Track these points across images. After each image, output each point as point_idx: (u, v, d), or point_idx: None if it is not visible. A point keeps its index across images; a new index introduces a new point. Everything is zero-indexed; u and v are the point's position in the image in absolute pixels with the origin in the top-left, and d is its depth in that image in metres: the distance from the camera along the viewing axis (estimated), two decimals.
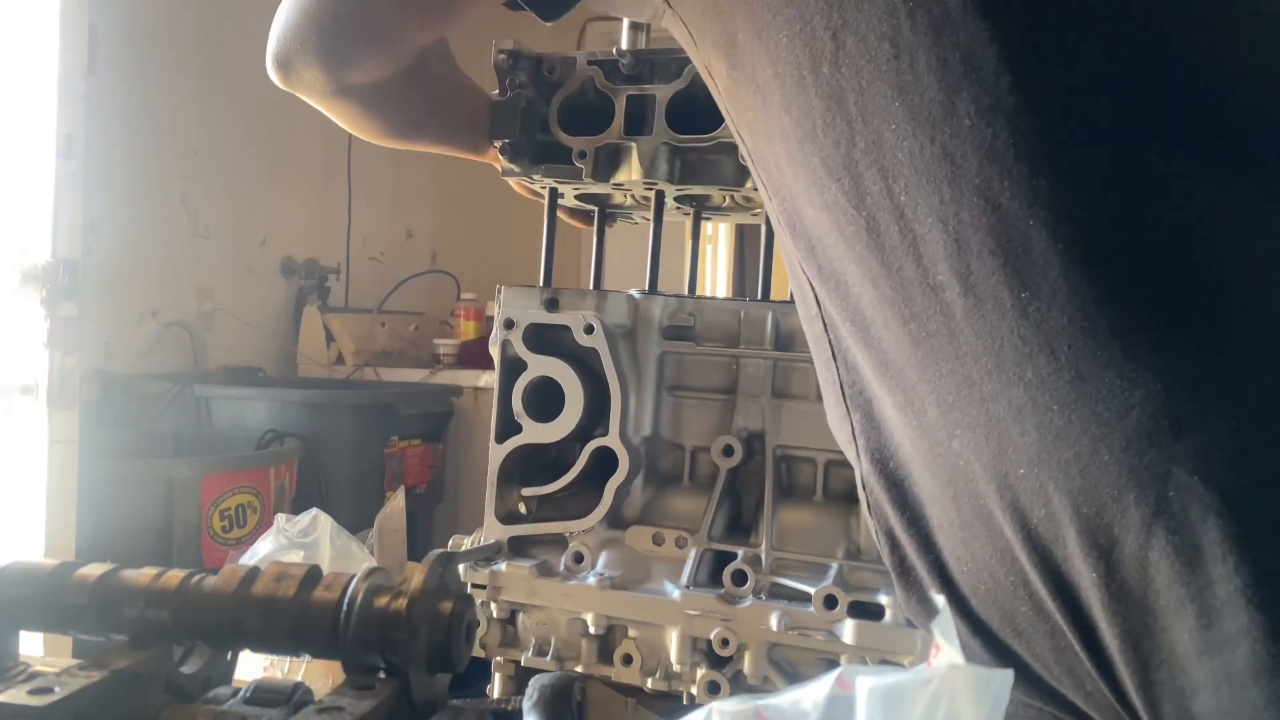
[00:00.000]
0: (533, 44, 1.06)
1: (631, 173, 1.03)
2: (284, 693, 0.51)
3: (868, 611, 0.91)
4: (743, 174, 1.02)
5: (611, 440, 1.02)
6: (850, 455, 0.61)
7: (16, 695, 0.45)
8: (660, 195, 1.07)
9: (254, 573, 0.52)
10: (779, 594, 0.95)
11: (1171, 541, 0.43)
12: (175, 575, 0.53)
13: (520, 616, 1.04)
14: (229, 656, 0.55)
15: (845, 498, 0.99)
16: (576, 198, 1.15)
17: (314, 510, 1.55)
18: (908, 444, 0.55)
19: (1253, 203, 0.45)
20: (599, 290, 1.06)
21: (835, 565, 0.94)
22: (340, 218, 3.39)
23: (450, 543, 1.10)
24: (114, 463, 2.10)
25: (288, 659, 1.21)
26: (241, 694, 0.52)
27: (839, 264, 0.55)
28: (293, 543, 1.49)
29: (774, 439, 1.01)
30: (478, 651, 1.04)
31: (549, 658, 1.02)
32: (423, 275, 3.62)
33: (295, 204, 3.27)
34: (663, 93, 1.02)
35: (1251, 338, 0.44)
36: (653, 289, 1.09)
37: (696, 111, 1.00)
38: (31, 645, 0.53)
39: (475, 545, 1.05)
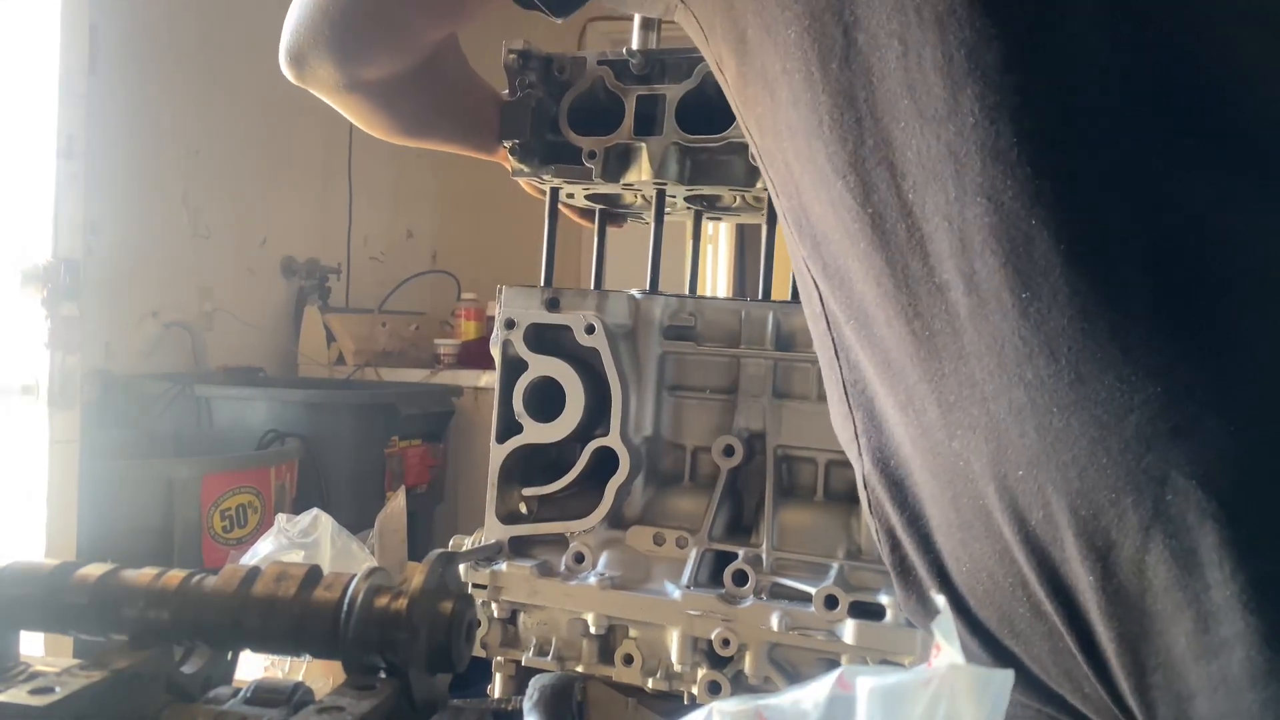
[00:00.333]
0: (535, 41, 1.05)
1: (641, 173, 1.03)
2: (284, 693, 0.51)
3: (868, 611, 0.91)
4: (753, 174, 1.02)
5: (612, 440, 1.02)
6: (852, 454, 0.61)
7: (17, 695, 0.45)
8: (661, 194, 1.07)
9: (254, 573, 0.52)
10: (780, 594, 0.95)
11: (1169, 545, 0.43)
12: (176, 575, 0.53)
13: (521, 616, 1.04)
14: (229, 656, 0.55)
15: (846, 498, 0.99)
16: (586, 198, 1.15)
17: (314, 510, 1.55)
18: (908, 443, 0.55)
19: (1254, 204, 0.45)
20: (600, 290, 1.06)
21: (836, 565, 0.94)
22: (341, 217, 3.39)
23: (451, 543, 1.10)
24: (114, 463, 2.10)
25: (288, 659, 1.21)
26: (242, 694, 0.52)
27: (843, 261, 0.55)
28: (293, 543, 1.49)
29: (775, 439, 1.01)
30: (478, 651, 1.04)
31: (550, 658, 1.02)
32: (423, 275, 3.62)
33: (296, 204, 3.27)
34: (673, 93, 1.02)
35: (1251, 341, 0.44)
36: (653, 289, 1.09)
37: (707, 112, 1.00)
38: (32, 645, 0.53)
39: (476, 545, 1.05)
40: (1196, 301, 0.44)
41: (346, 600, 0.50)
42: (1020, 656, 0.52)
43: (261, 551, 1.49)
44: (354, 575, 0.52)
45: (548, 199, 1.13)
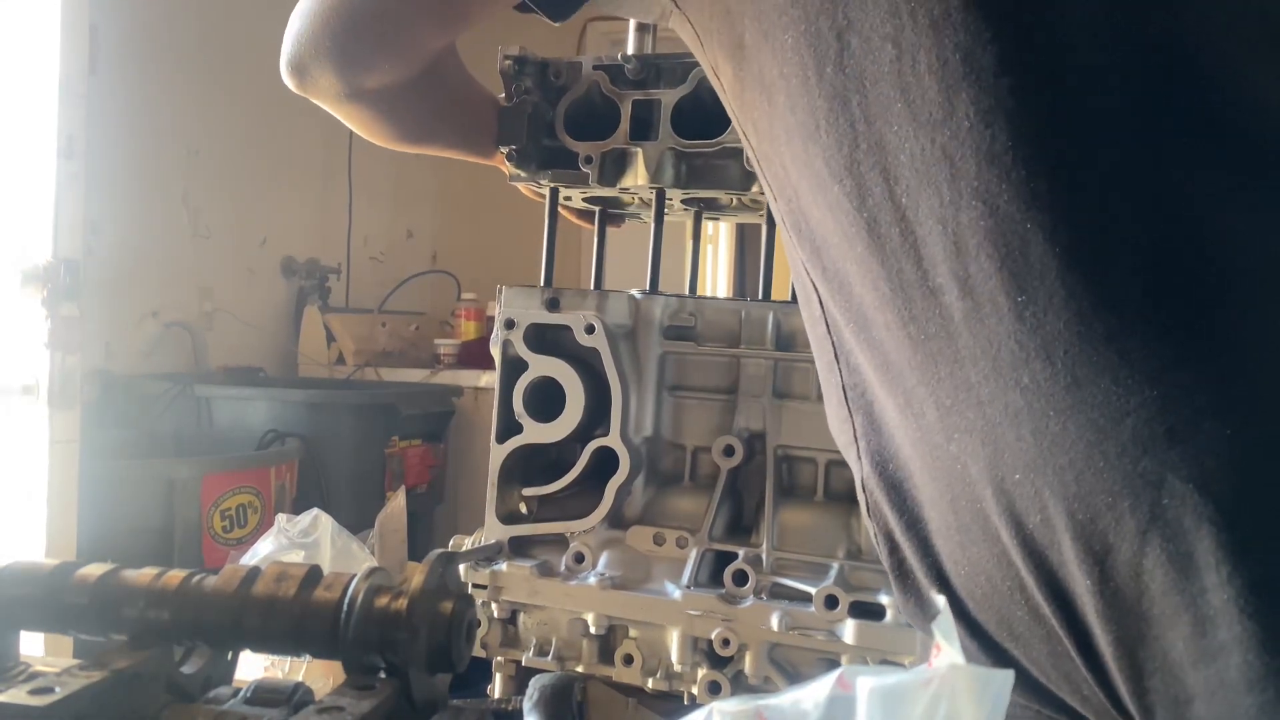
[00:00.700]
0: (533, 43, 1.06)
1: (637, 178, 1.04)
2: (284, 693, 0.51)
3: (869, 611, 0.91)
4: (749, 178, 1.02)
5: (612, 440, 1.02)
6: (851, 457, 0.61)
7: (17, 695, 0.45)
8: (661, 194, 1.07)
9: (254, 573, 0.52)
10: (780, 594, 0.95)
11: (1165, 549, 0.43)
12: (176, 575, 0.53)
13: (521, 616, 1.04)
14: (229, 656, 0.55)
15: (846, 498, 0.99)
16: (584, 200, 1.15)
17: (315, 510, 1.55)
18: (908, 445, 0.55)
19: (1253, 205, 0.45)
20: (600, 290, 1.06)
21: (836, 565, 0.94)
22: (341, 218, 3.39)
23: (451, 543, 1.10)
24: (115, 463, 2.10)
25: (288, 659, 1.21)
26: (242, 694, 0.52)
27: (842, 265, 0.55)
28: (293, 543, 1.49)
29: (775, 439, 1.01)
30: (478, 651, 1.04)
31: (550, 658, 1.02)
32: (423, 275, 3.62)
33: (296, 204, 3.27)
34: (668, 98, 1.02)
35: (1249, 344, 0.44)
36: (654, 289, 1.09)
37: (702, 117, 1.00)
38: (32, 645, 0.53)
39: (476, 545, 1.06)
40: (1194, 304, 0.44)
41: (346, 600, 0.50)
42: (1019, 659, 0.52)
43: (261, 551, 1.49)
44: (354, 575, 0.52)
45: (548, 199, 1.13)
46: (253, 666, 0.81)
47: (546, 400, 1.03)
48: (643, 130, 1.04)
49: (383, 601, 0.51)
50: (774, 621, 0.93)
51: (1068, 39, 0.47)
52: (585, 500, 1.03)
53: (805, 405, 1.00)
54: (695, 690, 0.97)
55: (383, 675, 0.51)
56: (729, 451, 1.00)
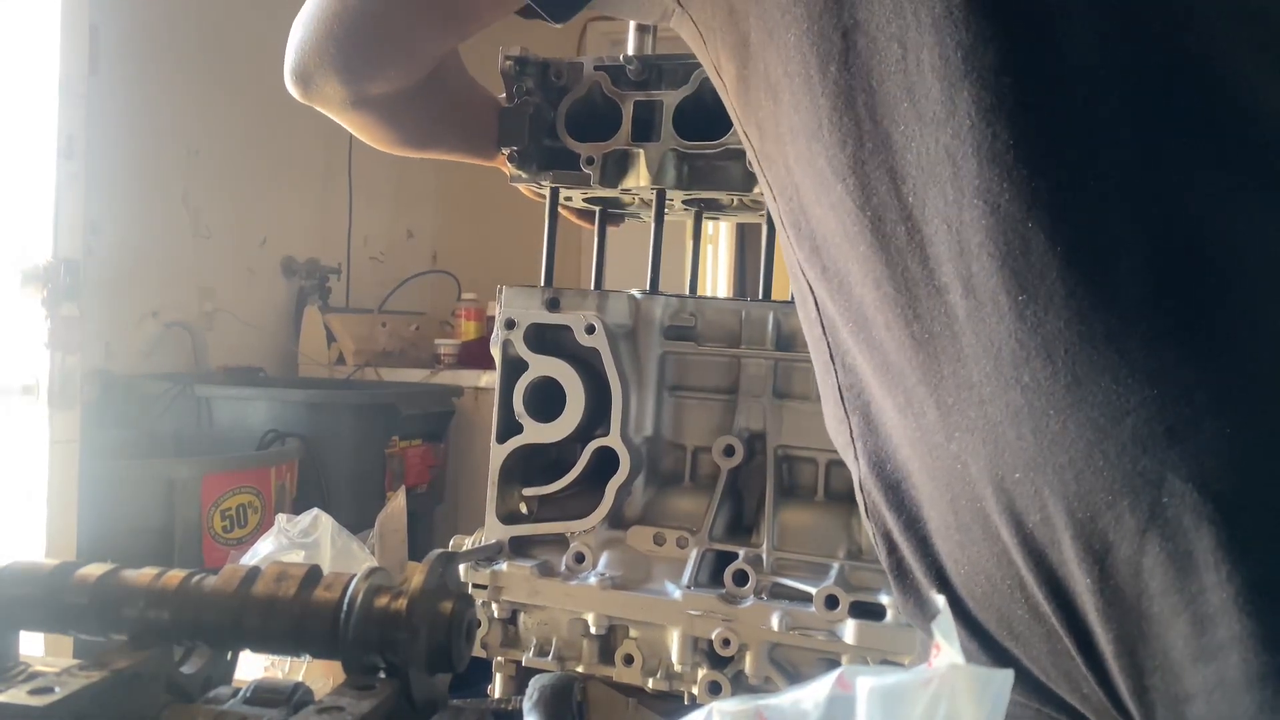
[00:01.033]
0: (534, 43, 1.05)
1: (639, 178, 1.03)
2: (284, 693, 0.51)
3: (869, 611, 0.91)
4: (750, 179, 1.02)
5: (613, 440, 1.02)
6: (848, 458, 0.61)
7: (16, 695, 0.45)
8: (662, 194, 1.07)
9: (254, 573, 0.52)
10: (780, 594, 0.95)
11: (1165, 548, 0.43)
12: (175, 575, 0.53)
13: (521, 616, 1.04)
14: (229, 656, 0.55)
15: (846, 498, 0.99)
16: (585, 200, 1.15)
17: (315, 510, 1.55)
18: (906, 445, 0.55)
19: (1253, 205, 0.45)
20: (600, 290, 1.06)
21: (836, 565, 0.94)
22: (341, 218, 3.39)
23: (451, 543, 1.10)
24: (115, 463, 2.10)
25: (288, 659, 1.21)
26: (242, 694, 0.52)
27: (843, 264, 0.55)
28: (293, 543, 1.49)
29: (775, 439, 1.01)
30: (478, 651, 1.04)
31: (550, 658, 1.02)
32: (423, 275, 3.62)
33: (296, 204, 3.27)
34: (670, 99, 1.02)
35: (1249, 343, 0.44)
36: (654, 289, 1.09)
37: (704, 117, 1.00)
38: (32, 645, 0.53)
39: (476, 545, 1.06)
40: (1194, 303, 0.44)
41: (346, 600, 0.50)
42: (1019, 658, 0.52)
43: (261, 551, 1.49)
44: (354, 575, 0.52)
45: (548, 199, 1.13)
46: (253, 666, 0.82)
47: (547, 400, 1.03)
48: (644, 131, 1.04)
49: (383, 601, 0.51)
50: (774, 621, 0.93)
51: (1069, 38, 0.47)
52: (585, 500, 1.03)
53: (805, 405, 1.00)
54: (695, 690, 0.97)
55: (383, 675, 0.51)
56: (729, 451, 1.00)
